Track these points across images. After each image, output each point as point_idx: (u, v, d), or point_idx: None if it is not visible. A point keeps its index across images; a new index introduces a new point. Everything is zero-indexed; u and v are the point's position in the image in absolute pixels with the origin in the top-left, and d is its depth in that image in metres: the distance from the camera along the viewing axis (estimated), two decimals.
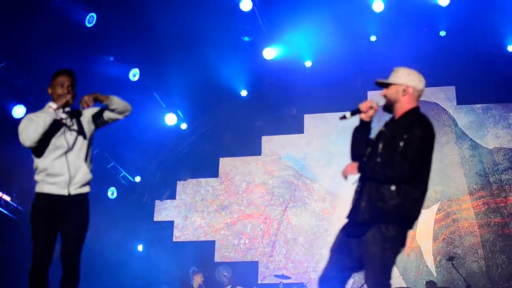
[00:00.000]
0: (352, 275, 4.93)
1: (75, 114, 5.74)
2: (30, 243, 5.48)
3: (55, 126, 5.58)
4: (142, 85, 13.96)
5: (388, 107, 5.00)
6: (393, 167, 4.56)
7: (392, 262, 4.64)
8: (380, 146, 4.79)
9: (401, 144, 4.61)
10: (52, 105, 5.56)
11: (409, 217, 4.68)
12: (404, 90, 4.92)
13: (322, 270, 4.97)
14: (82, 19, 11.74)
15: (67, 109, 5.63)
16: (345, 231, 4.85)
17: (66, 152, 5.56)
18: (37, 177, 5.60)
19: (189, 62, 13.75)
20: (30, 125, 5.47)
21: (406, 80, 4.97)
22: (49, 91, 5.75)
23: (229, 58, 14.10)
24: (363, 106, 5.05)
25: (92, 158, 5.86)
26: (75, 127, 5.69)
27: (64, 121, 5.63)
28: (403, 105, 4.90)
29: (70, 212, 5.51)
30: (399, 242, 4.65)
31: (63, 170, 5.52)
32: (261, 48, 14.45)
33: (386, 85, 5.03)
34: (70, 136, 5.63)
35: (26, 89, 11.60)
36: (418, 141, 4.62)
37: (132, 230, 15.41)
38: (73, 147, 5.63)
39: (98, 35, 12.25)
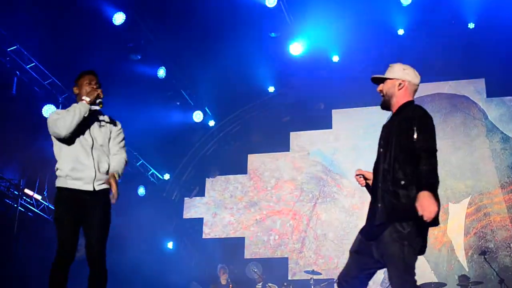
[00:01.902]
0: (373, 276, 4.91)
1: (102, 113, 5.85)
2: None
3: (85, 120, 5.63)
4: (169, 83, 14.02)
5: (385, 102, 5.07)
6: (423, 160, 4.49)
7: (413, 259, 4.57)
8: (381, 150, 4.81)
9: (414, 135, 4.58)
10: (86, 98, 5.64)
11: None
12: (400, 84, 4.96)
13: (342, 270, 4.96)
14: (110, 18, 11.80)
15: (97, 105, 5.75)
16: (364, 232, 4.83)
17: (92, 148, 5.61)
18: (60, 172, 5.59)
19: (216, 59, 13.75)
20: (66, 115, 5.52)
21: (402, 75, 5.02)
22: (75, 90, 5.84)
23: (256, 55, 14.08)
24: (360, 182, 5.06)
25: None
26: (103, 124, 5.78)
27: (98, 116, 5.76)
28: (399, 99, 4.95)
29: (94, 209, 5.52)
30: (418, 238, 4.57)
31: (90, 166, 5.55)
32: (288, 44, 14.39)
33: (383, 81, 5.09)
34: (99, 132, 5.71)
35: (55, 89, 11.71)
36: (427, 122, 4.66)
37: (162, 227, 15.48)
38: (100, 144, 5.68)
39: (125, 34, 12.31)
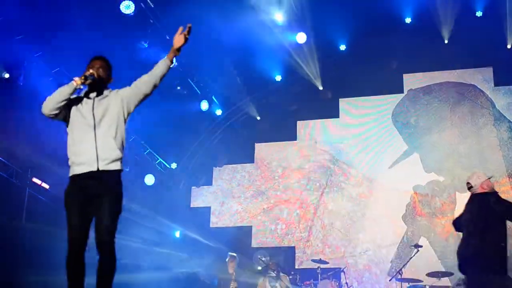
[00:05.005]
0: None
1: (101, 90, 5.66)
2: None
3: (80, 100, 5.56)
4: (176, 72, 14.00)
5: None
6: None
7: None
8: None
9: None
10: (76, 78, 5.51)
11: None
12: None
13: None
14: (117, 5, 11.78)
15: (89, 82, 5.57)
16: None
17: (94, 129, 5.45)
18: (69, 161, 5.50)
19: (223, 47, 13.72)
20: (51, 95, 5.54)
21: None
22: None
23: (263, 43, 14.04)
24: None
25: (124, 137, 5.65)
26: (103, 103, 5.59)
27: (89, 94, 5.60)
28: None
29: (101, 195, 5.38)
30: None
31: (90, 146, 5.41)
32: (295, 33, 14.36)
33: None
34: (98, 112, 5.52)
35: (62, 78, 11.70)
36: None
37: (169, 216, 15.49)
38: (101, 123, 5.51)
39: (133, 22, 12.28)
